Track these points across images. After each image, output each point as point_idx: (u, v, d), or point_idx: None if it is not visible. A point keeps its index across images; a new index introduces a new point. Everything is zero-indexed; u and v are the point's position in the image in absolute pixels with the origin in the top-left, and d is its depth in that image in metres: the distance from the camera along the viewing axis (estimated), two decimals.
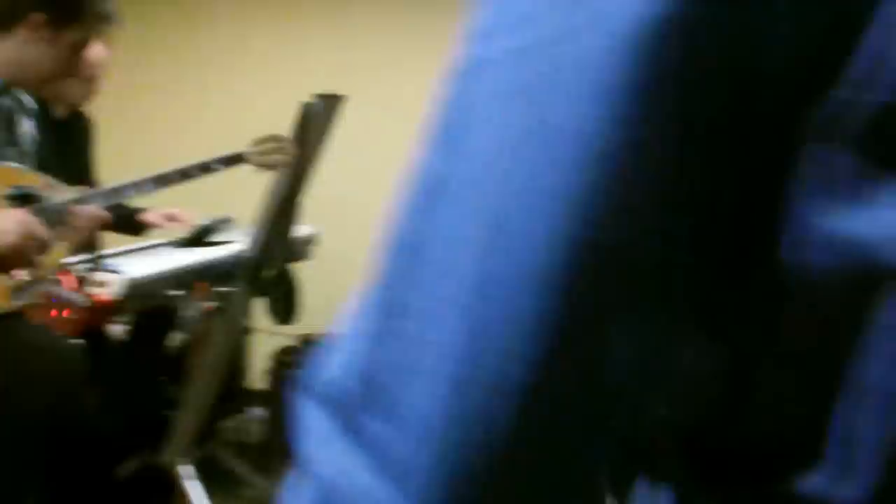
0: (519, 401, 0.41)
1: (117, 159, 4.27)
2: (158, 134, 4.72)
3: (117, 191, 2.58)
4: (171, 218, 3.40)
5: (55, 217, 2.39)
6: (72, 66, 2.51)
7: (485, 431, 0.41)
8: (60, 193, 2.45)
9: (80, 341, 2.41)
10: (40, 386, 2.21)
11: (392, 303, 0.44)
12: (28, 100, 2.60)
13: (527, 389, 0.41)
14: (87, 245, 2.76)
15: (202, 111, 4.73)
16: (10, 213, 2.28)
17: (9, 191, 2.34)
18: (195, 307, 3.57)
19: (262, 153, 2.78)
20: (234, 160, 2.76)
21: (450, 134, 0.44)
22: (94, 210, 2.52)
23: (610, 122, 0.39)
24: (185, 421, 3.21)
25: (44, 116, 3.31)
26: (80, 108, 3.53)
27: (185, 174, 2.67)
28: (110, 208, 2.62)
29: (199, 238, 3.01)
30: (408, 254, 0.44)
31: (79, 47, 2.48)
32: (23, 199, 2.36)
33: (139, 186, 2.61)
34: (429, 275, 0.43)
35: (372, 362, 0.44)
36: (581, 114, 0.40)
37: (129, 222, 3.47)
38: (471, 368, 0.41)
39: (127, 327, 3.33)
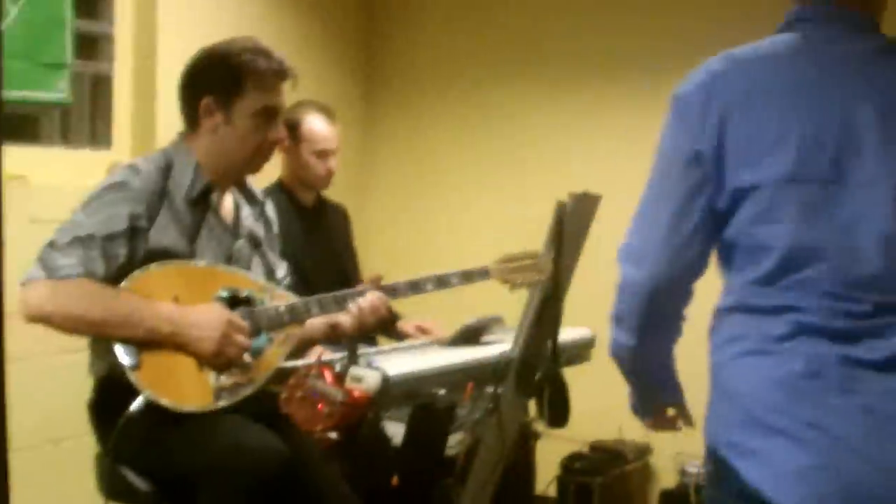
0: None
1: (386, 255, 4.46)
2: (428, 233, 4.89)
3: (346, 297, 2.57)
4: (424, 330, 3.47)
5: (266, 321, 2.44)
6: (264, 135, 2.49)
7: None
8: (277, 298, 2.49)
9: (333, 436, 2.45)
10: (237, 484, 2.21)
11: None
12: (254, 190, 2.66)
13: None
14: (361, 339, 2.83)
15: (471, 206, 4.85)
16: (212, 315, 2.33)
17: (221, 293, 2.41)
18: (475, 408, 3.59)
19: (510, 270, 2.73)
20: (478, 275, 2.71)
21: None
22: (377, 299, 2.56)
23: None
24: None
25: (291, 205, 3.46)
26: (326, 196, 3.67)
27: (415, 286, 2.67)
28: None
29: (467, 337, 3.03)
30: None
31: (260, 113, 2.47)
32: (235, 301, 2.42)
33: (360, 294, 2.58)
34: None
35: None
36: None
37: (387, 328, 3.57)
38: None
39: (404, 428, 3.39)
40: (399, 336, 3.57)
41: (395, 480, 3.39)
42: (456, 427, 3.59)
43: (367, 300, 2.54)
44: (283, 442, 2.35)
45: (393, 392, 2.58)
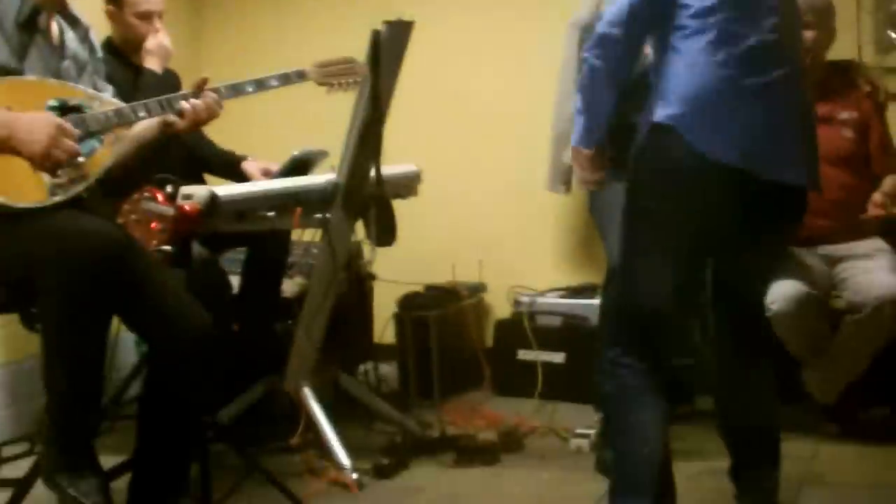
0: None
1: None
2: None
3: (172, 100, 2.65)
4: (268, 172, 3.58)
5: (96, 125, 2.51)
6: None
7: None
8: (105, 106, 2.56)
9: (168, 248, 2.57)
10: (78, 264, 2.25)
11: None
12: (76, 14, 2.71)
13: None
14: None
15: (279, 41, 4.84)
16: (42, 120, 2.39)
17: (52, 102, 2.47)
18: (307, 252, 3.74)
19: (326, 73, 2.84)
20: (295, 76, 2.82)
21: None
22: (210, 98, 2.66)
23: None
24: (303, 346, 3.38)
25: (119, 61, 3.49)
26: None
27: (236, 89, 2.76)
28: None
29: (294, 169, 3.18)
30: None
31: None
32: (65, 110, 2.49)
33: (185, 97, 2.67)
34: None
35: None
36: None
37: (230, 169, 3.67)
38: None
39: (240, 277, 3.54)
40: (243, 177, 3.67)
41: (235, 327, 3.54)
42: (291, 271, 3.74)
43: (200, 99, 2.64)
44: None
45: (222, 210, 2.73)
